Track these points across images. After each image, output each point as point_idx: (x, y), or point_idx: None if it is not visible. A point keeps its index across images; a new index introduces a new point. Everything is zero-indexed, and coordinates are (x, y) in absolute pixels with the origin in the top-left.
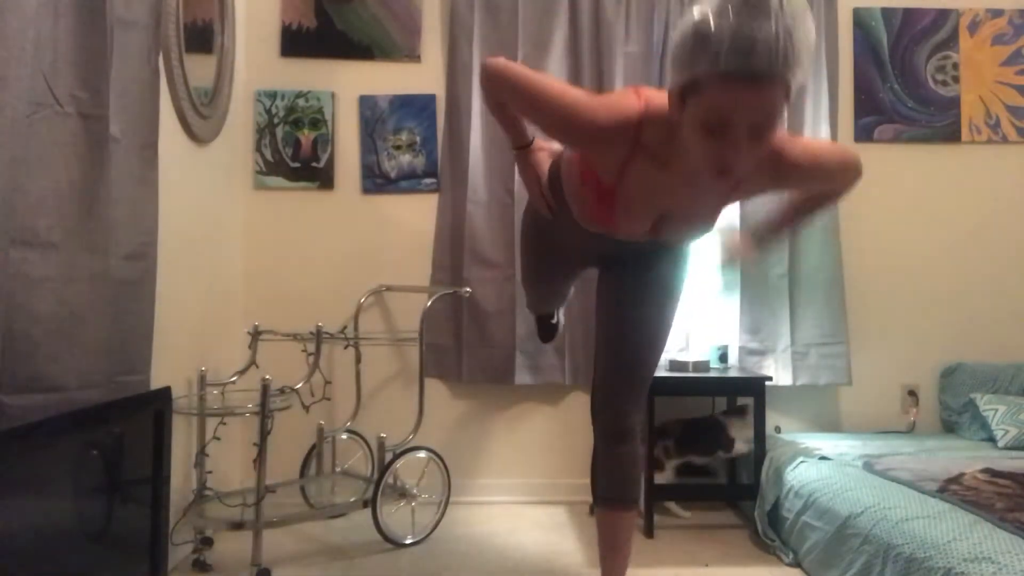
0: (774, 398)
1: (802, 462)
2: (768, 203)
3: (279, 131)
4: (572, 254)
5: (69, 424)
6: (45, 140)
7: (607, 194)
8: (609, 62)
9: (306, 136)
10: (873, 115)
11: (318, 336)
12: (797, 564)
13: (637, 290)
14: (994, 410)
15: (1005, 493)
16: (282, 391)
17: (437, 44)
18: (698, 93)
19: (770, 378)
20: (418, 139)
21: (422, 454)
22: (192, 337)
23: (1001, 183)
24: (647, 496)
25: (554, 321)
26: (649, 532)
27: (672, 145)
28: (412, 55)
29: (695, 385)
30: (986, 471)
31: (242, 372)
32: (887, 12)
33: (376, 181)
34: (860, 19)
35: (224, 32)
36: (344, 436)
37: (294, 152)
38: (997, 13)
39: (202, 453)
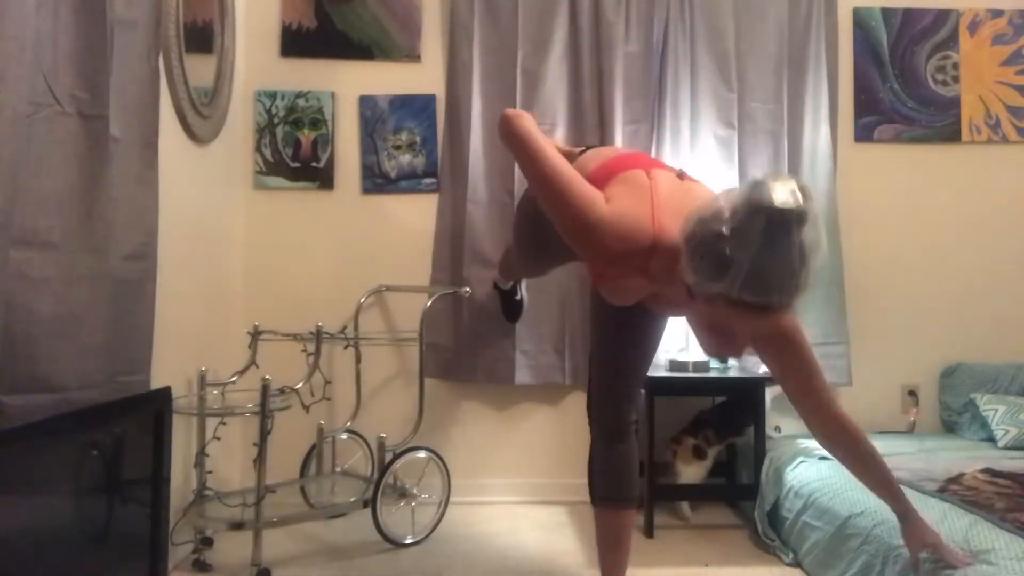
0: (774, 398)
1: (802, 462)
2: None
3: (279, 131)
4: (567, 254)
5: (69, 424)
6: (45, 140)
7: (598, 276)
8: (609, 62)
9: (306, 136)
10: (873, 115)
11: (318, 336)
12: (797, 564)
13: None
14: (994, 410)
15: (1005, 493)
16: (282, 391)
17: (437, 44)
18: (711, 304)
19: (770, 378)
20: (418, 139)
21: (422, 454)
22: (192, 337)
23: (1001, 183)
24: (647, 496)
25: (518, 298)
26: (649, 532)
27: (674, 273)
28: (412, 55)
29: (695, 385)
30: (986, 471)
31: (242, 372)
32: (887, 12)
33: (376, 181)
34: (860, 19)
35: (224, 32)
36: (344, 436)
37: (294, 152)
38: (997, 13)
39: (202, 453)
